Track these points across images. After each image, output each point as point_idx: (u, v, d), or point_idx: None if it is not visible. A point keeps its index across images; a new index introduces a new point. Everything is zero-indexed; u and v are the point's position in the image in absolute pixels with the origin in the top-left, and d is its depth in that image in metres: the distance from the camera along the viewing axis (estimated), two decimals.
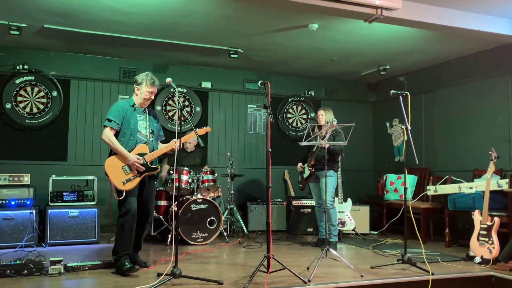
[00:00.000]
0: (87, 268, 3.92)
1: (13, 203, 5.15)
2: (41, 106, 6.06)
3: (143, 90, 3.95)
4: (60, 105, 6.15)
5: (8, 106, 5.89)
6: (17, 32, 5.05)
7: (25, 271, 3.68)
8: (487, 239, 4.41)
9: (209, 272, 3.98)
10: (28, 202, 5.19)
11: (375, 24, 4.56)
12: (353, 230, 6.01)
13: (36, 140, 6.05)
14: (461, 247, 5.26)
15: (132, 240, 3.87)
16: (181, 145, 3.85)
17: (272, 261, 3.61)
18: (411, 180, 6.27)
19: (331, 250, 4.34)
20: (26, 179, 5.30)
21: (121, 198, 3.80)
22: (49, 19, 4.93)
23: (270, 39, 5.57)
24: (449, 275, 3.92)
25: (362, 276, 3.75)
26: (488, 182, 4.56)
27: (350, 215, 6.00)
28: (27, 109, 5.99)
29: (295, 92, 7.51)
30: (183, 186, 5.41)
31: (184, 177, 5.42)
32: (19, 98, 5.96)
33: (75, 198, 5.43)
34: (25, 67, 5.95)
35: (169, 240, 5.26)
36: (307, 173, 5.22)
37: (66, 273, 3.80)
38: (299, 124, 7.53)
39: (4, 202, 5.13)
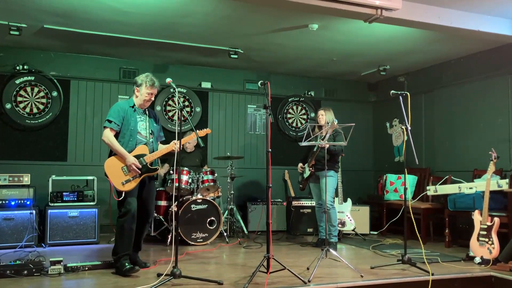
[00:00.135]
0: (87, 268, 3.92)
1: (13, 203, 5.15)
2: (41, 106, 6.06)
3: (143, 92, 3.95)
4: (60, 105, 6.15)
5: (8, 106, 5.89)
6: (17, 33, 5.05)
7: (25, 272, 3.68)
8: (487, 240, 4.41)
9: (209, 272, 3.98)
10: (28, 202, 5.19)
11: (375, 24, 4.56)
12: (353, 230, 6.01)
13: (36, 140, 6.05)
14: (461, 247, 5.25)
15: (132, 241, 3.87)
16: (181, 146, 3.85)
17: (272, 261, 3.61)
18: (411, 180, 6.26)
19: (331, 250, 4.33)
20: (26, 179, 5.29)
21: (120, 199, 3.80)
22: (49, 19, 4.93)
23: (270, 39, 5.57)
24: (449, 276, 3.91)
25: (362, 276, 3.75)
26: (488, 182, 4.56)
27: (350, 215, 6.00)
28: (27, 109, 5.99)
29: (295, 92, 7.51)
30: (183, 186, 5.41)
31: (184, 177, 5.43)
32: (19, 98, 5.96)
33: (75, 198, 5.43)
34: (25, 67, 5.95)
35: (169, 241, 5.26)
36: (307, 173, 5.22)
37: (66, 273, 3.80)
38: (299, 124, 7.53)
39: (4, 202, 5.13)
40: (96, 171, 5.71)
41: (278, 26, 5.08)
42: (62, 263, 3.80)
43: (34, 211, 5.08)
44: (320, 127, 5.14)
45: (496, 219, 4.42)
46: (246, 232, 6.21)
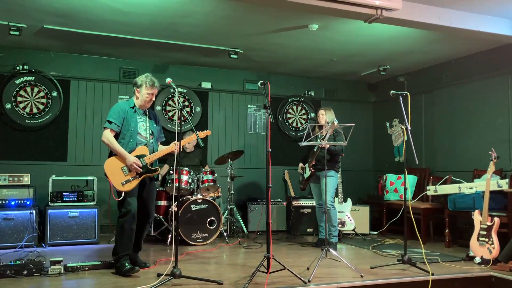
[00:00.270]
0: (87, 268, 3.92)
1: (13, 203, 5.15)
2: (41, 107, 6.06)
3: (143, 92, 3.95)
4: (60, 105, 6.15)
5: (8, 106, 5.89)
6: (17, 33, 5.05)
7: (25, 272, 3.68)
8: (487, 239, 4.41)
9: (209, 272, 3.98)
10: (28, 203, 5.19)
11: (375, 24, 4.56)
12: (353, 230, 6.01)
13: (36, 140, 6.05)
14: (461, 247, 5.25)
15: (132, 241, 3.87)
16: (181, 147, 3.85)
17: (272, 261, 3.61)
18: (411, 180, 6.26)
19: (331, 250, 4.33)
20: (26, 179, 5.30)
21: (119, 199, 3.80)
22: (49, 19, 4.93)
23: (270, 39, 5.57)
24: (449, 276, 3.92)
25: (362, 276, 3.75)
26: (488, 182, 4.56)
27: (350, 215, 6.00)
28: (27, 109, 5.99)
29: (295, 92, 7.51)
30: (183, 186, 5.41)
31: (184, 177, 5.42)
32: (19, 99, 5.96)
33: (75, 199, 5.43)
34: (25, 67, 5.95)
35: (169, 241, 5.26)
36: (308, 173, 5.21)
37: (66, 273, 3.80)
38: (299, 124, 7.53)
39: (4, 202, 5.13)
40: (96, 171, 5.71)
41: (278, 26, 5.08)
42: (62, 263, 3.80)
43: (34, 211, 5.08)
44: (320, 127, 5.13)
45: (496, 219, 4.42)
46: (246, 232, 6.21)
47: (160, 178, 5.83)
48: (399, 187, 6.38)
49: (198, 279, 3.52)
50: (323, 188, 4.81)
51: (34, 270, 3.71)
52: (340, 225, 5.83)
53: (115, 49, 6.07)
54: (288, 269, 3.64)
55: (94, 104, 6.38)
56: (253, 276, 3.51)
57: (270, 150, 3.76)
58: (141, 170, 3.83)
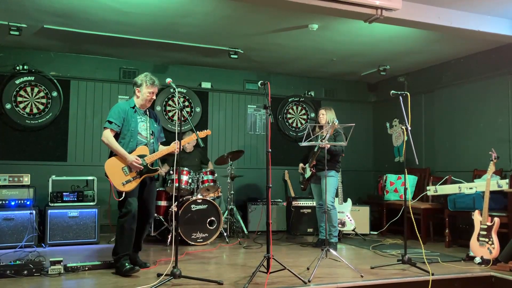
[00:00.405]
0: (87, 268, 3.92)
1: (13, 203, 5.15)
2: (41, 107, 6.06)
3: (144, 92, 3.95)
4: (60, 106, 6.15)
5: (8, 106, 5.89)
6: (17, 33, 5.05)
7: (25, 272, 3.68)
8: (487, 240, 4.41)
9: (209, 272, 3.98)
10: (28, 203, 5.19)
11: (375, 24, 4.56)
12: (353, 230, 6.01)
13: (36, 141, 6.05)
14: (461, 248, 5.25)
15: (132, 241, 3.87)
16: (181, 147, 3.85)
17: (272, 261, 3.61)
18: (411, 180, 6.26)
19: (331, 250, 4.33)
20: (26, 179, 5.30)
21: (120, 199, 3.80)
22: (49, 19, 4.93)
23: (270, 39, 5.57)
24: (449, 276, 3.92)
25: (362, 276, 3.75)
26: (488, 183, 4.56)
27: (350, 216, 6.00)
28: (27, 110, 5.99)
29: (295, 93, 7.51)
30: (183, 186, 5.41)
31: (184, 178, 5.42)
32: (19, 99, 5.96)
33: (75, 199, 5.43)
34: (25, 67, 5.95)
35: (169, 241, 5.26)
36: (308, 173, 5.21)
37: (66, 273, 3.80)
38: (299, 125, 7.53)
39: (4, 202, 5.13)
40: (96, 171, 5.71)
41: (278, 26, 5.08)
42: (62, 263, 3.80)
43: (34, 211, 5.08)
44: (321, 127, 5.13)
45: (496, 219, 4.42)
46: (246, 232, 6.21)
47: (163, 176, 5.84)
48: (399, 187, 6.38)
49: (198, 279, 3.51)
50: (324, 188, 4.81)
51: (34, 270, 3.71)
52: (340, 225, 5.83)
53: (115, 49, 6.07)
54: (288, 269, 3.64)
55: (94, 104, 6.38)
56: (253, 276, 3.51)
57: (270, 150, 3.76)
58: (141, 167, 3.83)
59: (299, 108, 7.54)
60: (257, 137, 7.27)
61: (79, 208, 5.33)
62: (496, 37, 4.99)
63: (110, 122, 3.86)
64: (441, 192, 5.48)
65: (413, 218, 4.49)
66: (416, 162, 4.28)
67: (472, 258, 4.47)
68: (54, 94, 6.13)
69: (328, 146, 4.77)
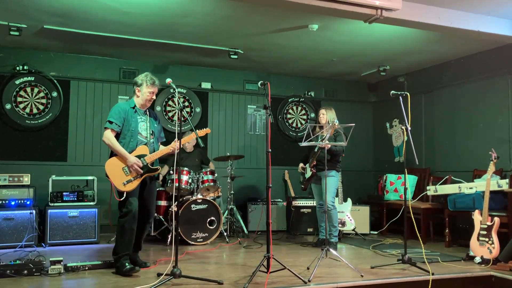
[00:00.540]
0: (87, 268, 3.92)
1: (13, 203, 5.15)
2: (41, 107, 6.06)
3: (144, 91, 3.95)
4: (60, 106, 6.15)
5: (8, 106, 5.89)
6: (17, 33, 5.06)
7: (25, 271, 3.68)
8: (487, 239, 4.41)
9: (209, 272, 3.98)
10: (28, 202, 5.19)
11: (375, 24, 4.56)
12: (353, 230, 6.01)
13: (36, 141, 6.05)
14: (461, 247, 5.26)
15: (132, 241, 3.87)
16: (181, 146, 3.85)
17: (272, 261, 3.62)
18: (411, 180, 6.27)
19: (331, 250, 4.33)
20: (26, 179, 5.30)
21: (121, 199, 3.80)
22: (49, 19, 4.93)
23: (270, 40, 5.57)
24: (449, 275, 3.92)
25: (362, 276, 3.75)
26: (488, 182, 4.56)
27: (350, 215, 6.01)
28: (27, 110, 5.99)
29: (295, 93, 7.52)
30: (183, 186, 5.41)
31: (184, 177, 5.43)
32: (19, 99, 5.96)
33: (75, 199, 5.43)
34: (25, 67, 5.95)
35: (169, 240, 5.26)
36: (309, 173, 5.21)
37: (66, 273, 3.81)
38: (299, 125, 7.53)
39: (4, 202, 5.13)
40: (96, 171, 5.71)
41: (278, 26, 5.09)
42: (62, 263, 3.81)
43: (34, 211, 5.08)
44: (321, 127, 5.13)
45: (496, 219, 4.43)
46: (246, 232, 6.21)
47: (161, 177, 5.84)
48: (399, 187, 6.38)
49: (198, 278, 3.52)
50: (324, 188, 4.81)
51: (34, 270, 3.71)
52: (340, 225, 5.83)
53: (115, 49, 6.07)
54: (288, 269, 3.64)
55: (94, 104, 6.38)
56: (253, 276, 3.51)
57: (270, 150, 3.76)
58: (141, 171, 3.83)
59: (299, 108, 7.54)
60: (257, 137, 7.27)
61: (79, 208, 5.34)
62: (496, 37, 4.99)
63: (111, 122, 3.87)
64: (441, 192, 5.48)
65: (413, 218, 4.50)
66: (416, 162, 4.28)
67: (472, 257, 4.48)
68: (54, 94, 6.13)
69: (329, 146, 4.77)
